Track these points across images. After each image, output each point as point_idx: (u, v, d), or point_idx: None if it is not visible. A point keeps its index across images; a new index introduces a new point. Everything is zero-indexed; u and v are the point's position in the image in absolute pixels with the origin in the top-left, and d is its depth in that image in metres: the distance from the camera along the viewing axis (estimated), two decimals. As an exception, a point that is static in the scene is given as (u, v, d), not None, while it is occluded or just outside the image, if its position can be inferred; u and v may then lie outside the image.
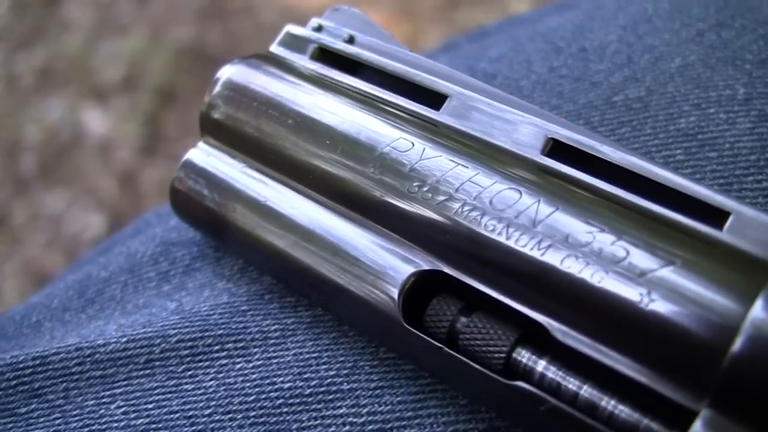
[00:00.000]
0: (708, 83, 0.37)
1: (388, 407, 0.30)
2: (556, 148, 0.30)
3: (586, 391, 0.27)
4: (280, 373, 0.31)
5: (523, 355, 0.28)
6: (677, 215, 0.28)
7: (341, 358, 0.31)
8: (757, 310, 0.25)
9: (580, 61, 0.38)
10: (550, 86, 0.38)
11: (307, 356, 0.32)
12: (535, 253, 0.28)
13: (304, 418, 0.30)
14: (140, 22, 1.25)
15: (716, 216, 0.27)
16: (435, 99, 0.33)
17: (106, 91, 1.18)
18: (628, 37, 0.39)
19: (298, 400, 0.30)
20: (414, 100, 0.33)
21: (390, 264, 0.30)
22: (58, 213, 1.10)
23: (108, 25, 1.26)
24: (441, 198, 0.30)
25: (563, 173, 0.30)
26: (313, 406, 0.30)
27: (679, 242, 0.27)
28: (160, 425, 0.31)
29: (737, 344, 0.24)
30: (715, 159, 0.35)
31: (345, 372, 0.31)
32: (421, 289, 0.30)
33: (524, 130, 0.31)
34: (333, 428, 0.30)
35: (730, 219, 0.27)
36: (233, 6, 1.21)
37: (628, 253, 0.27)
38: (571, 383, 0.27)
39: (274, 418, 0.30)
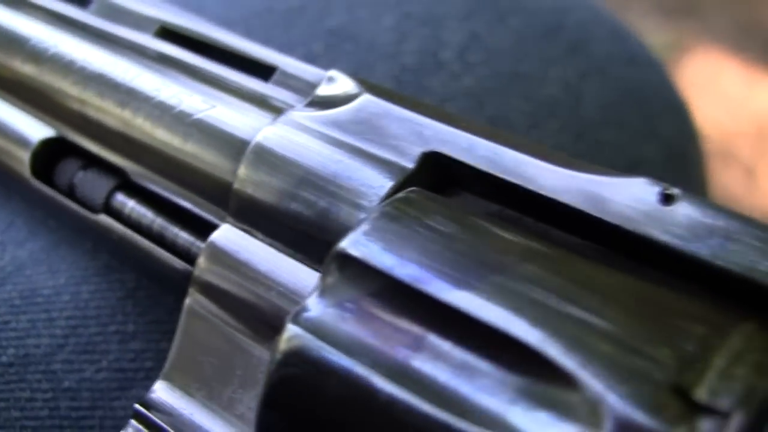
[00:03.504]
0: (366, -10, 0.43)
1: (28, 253, 0.36)
2: (164, 33, 0.36)
3: (157, 223, 0.33)
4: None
5: (118, 199, 0.34)
6: (231, 71, 0.34)
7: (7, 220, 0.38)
8: (260, 134, 0.30)
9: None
10: (233, 4, 0.44)
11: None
12: (118, 110, 0.34)
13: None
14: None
15: (267, 71, 0.33)
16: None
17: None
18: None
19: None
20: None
21: (25, 132, 0.36)
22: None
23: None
24: (62, 76, 0.36)
25: (159, 50, 0.36)
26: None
27: (224, 91, 0.33)
28: None
29: (241, 165, 0.30)
30: (352, 51, 0.41)
31: (2, 228, 0.37)
32: (57, 154, 0.36)
33: (142, 18, 0.37)
34: (-20, 272, 0.36)
35: (276, 72, 0.33)
36: None
37: (180, 101, 0.33)
38: (147, 218, 0.33)
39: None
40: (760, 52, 1.64)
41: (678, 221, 0.25)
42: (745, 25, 1.69)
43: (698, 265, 0.25)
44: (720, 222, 0.25)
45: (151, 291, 0.35)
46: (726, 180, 1.50)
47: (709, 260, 0.25)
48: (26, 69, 0.37)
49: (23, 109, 0.37)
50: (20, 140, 0.36)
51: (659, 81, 0.47)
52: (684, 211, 0.26)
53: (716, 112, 1.58)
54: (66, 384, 0.33)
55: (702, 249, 0.25)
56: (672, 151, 0.45)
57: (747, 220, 0.25)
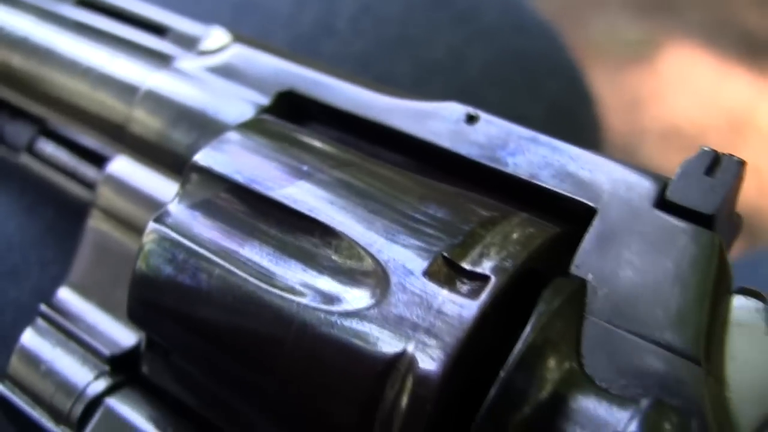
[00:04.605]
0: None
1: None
2: (82, 2, 0.42)
3: (71, 162, 0.38)
4: None
5: (39, 144, 0.40)
6: (133, 31, 0.39)
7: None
8: (149, 81, 0.36)
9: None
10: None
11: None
12: (39, 67, 0.39)
13: None
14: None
15: (163, 30, 0.39)
16: None
17: None
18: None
19: None
20: None
21: None
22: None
23: None
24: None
25: (77, 18, 0.41)
26: None
27: (126, 48, 0.38)
28: None
29: (134, 107, 0.36)
30: (257, 19, 0.46)
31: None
32: None
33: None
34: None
35: (171, 30, 0.38)
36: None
37: (89, 58, 0.38)
38: (62, 158, 0.39)
39: None
40: (732, 47, 1.69)
41: (478, 137, 0.31)
42: (718, 20, 1.74)
43: (491, 172, 0.30)
44: (513, 137, 0.30)
45: (69, 224, 0.40)
46: (698, 170, 1.53)
47: (500, 168, 0.30)
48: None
49: None
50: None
51: (547, 47, 0.52)
52: (484, 128, 0.31)
53: (688, 105, 1.62)
54: (-8, 304, 0.39)
55: (495, 159, 0.30)
56: (556, 112, 0.50)
57: (534, 137, 0.30)
